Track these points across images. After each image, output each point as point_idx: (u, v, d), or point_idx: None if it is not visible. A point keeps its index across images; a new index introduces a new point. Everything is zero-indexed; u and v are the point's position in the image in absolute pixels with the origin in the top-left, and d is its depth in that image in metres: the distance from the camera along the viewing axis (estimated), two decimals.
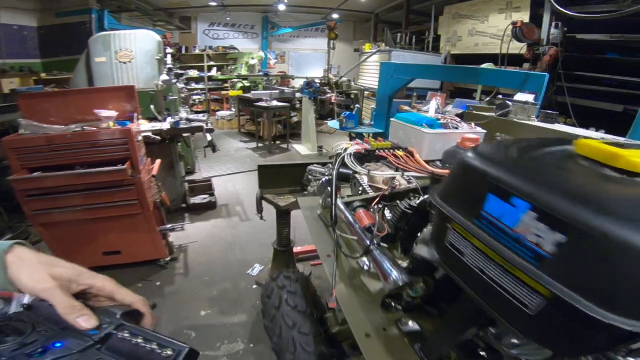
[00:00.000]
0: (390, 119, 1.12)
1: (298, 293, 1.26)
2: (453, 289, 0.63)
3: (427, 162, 1.00)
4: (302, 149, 6.70)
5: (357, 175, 1.84)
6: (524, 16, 4.10)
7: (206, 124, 3.56)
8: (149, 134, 3.05)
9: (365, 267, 0.91)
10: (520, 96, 2.30)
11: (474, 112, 1.46)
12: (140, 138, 2.55)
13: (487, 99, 4.96)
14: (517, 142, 0.54)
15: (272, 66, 10.95)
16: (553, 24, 3.50)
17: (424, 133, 0.97)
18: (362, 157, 0.98)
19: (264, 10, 10.26)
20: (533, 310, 0.43)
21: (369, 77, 5.76)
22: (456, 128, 1.06)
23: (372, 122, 3.77)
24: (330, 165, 1.65)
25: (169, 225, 2.83)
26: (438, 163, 1.00)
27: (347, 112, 3.57)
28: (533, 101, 1.36)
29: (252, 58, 9.38)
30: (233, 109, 8.44)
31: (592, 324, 0.37)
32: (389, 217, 1.22)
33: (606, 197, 0.41)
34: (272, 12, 10.04)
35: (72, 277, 0.53)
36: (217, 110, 8.91)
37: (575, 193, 0.41)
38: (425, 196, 1.05)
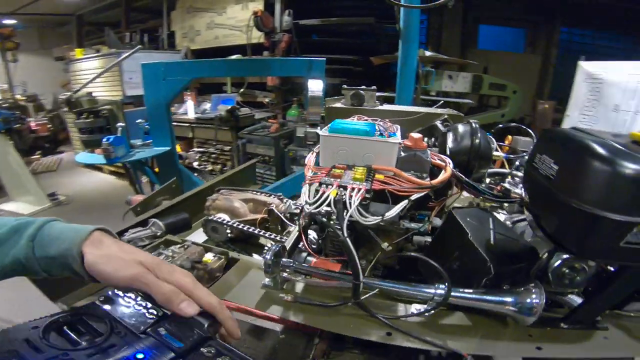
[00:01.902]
0: (320, 134, 0.88)
1: None
2: None
3: None
4: (22, 208, 4.51)
5: (213, 217, 1.43)
6: (260, 5, 4.44)
7: None
8: None
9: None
10: (311, 83, 2.53)
11: (333, 106, 1.45)
12: None
13: (242, 90, 5.18)
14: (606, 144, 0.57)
15: None
16: (286, 11, 4.00)
17: (393, 144, 0.85)
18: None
19: None
20: None
21: (96, 86, 4.49)
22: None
23: (151, 141, 3.04)
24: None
25: None
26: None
27: (112, 137, 2.63)
28: (369, 87, 1.50)
29: None
30: None
31: None
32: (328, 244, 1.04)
33: None
34: None
35: (153, 267, 0.48)
36: None
37: None
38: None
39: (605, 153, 0.54)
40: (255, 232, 1.42)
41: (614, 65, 2.47)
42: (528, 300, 0.66)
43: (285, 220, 1.48)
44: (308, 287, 0.86)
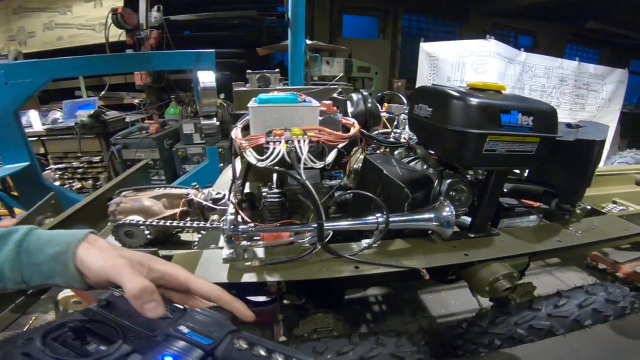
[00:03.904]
0: (251, 106, 0.89)
1: None
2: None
3: None
4: None
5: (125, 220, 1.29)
6: (119, 2, 3.92)
7: None
8: None
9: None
10: (202, 74, 2.48)
11: (240, 89, 1.50)
12: None
13: (102, 93, 4.49)
14: (467, 94, 0.83)
15: None
16: (155, 7, 3.62)
17: (315, 107, 0.96)
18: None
19: None
20: (533, 152, 0.83)
21: None
22: None
23: None
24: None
25: None
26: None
27: None
28: (273, 70, 1.60)
29: None
30: None
31: None
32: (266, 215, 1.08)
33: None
34: None
35: (143, 260, 0.48)
36: None
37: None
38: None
39: (459, 94, 0.82)
40: (186, 225, 1.33)
41: (445, 45, 3.21)
42: (444, 214, 0.85)
43: (212, 206, 1.48)
44: (268, 251, 0.89)
